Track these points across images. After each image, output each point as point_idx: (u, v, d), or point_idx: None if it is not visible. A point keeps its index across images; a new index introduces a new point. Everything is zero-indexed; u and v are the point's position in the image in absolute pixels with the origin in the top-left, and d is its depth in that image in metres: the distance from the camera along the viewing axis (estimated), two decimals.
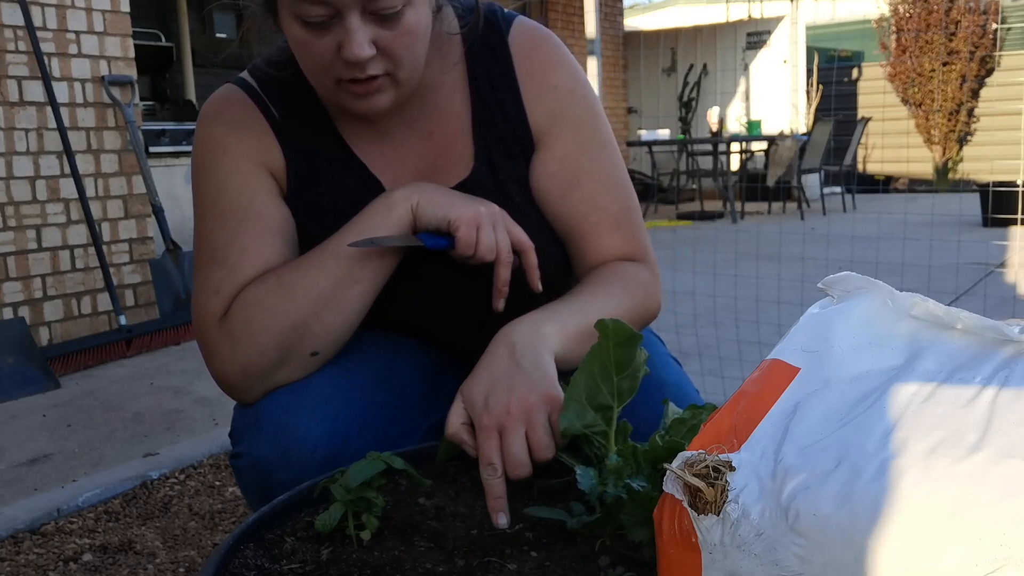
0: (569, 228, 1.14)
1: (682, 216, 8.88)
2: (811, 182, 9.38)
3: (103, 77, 3.76)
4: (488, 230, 1.03)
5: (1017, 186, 6.27)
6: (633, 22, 13.02)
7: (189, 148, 4.39)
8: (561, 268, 1.17)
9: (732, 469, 0.58)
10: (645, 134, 9.28)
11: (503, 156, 1.14)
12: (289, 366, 1.04)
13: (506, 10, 1.19)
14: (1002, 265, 5.14)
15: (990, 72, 11.09)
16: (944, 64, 11.02)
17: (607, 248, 1.13)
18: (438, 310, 1.17)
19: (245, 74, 1.16)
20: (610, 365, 0.86)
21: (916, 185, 11.38)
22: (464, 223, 1.02)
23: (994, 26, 10.98)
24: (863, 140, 10.48)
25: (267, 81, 1.14)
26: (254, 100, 1.12)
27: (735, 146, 9.43)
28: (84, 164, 3.69)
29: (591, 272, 1.13)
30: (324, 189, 1.13)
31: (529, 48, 1.15)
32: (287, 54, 1.10)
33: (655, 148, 9.24)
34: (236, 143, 1.10)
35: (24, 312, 3.50)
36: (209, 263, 1.07)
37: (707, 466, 0.58)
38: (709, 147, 9.21)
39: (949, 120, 11.16)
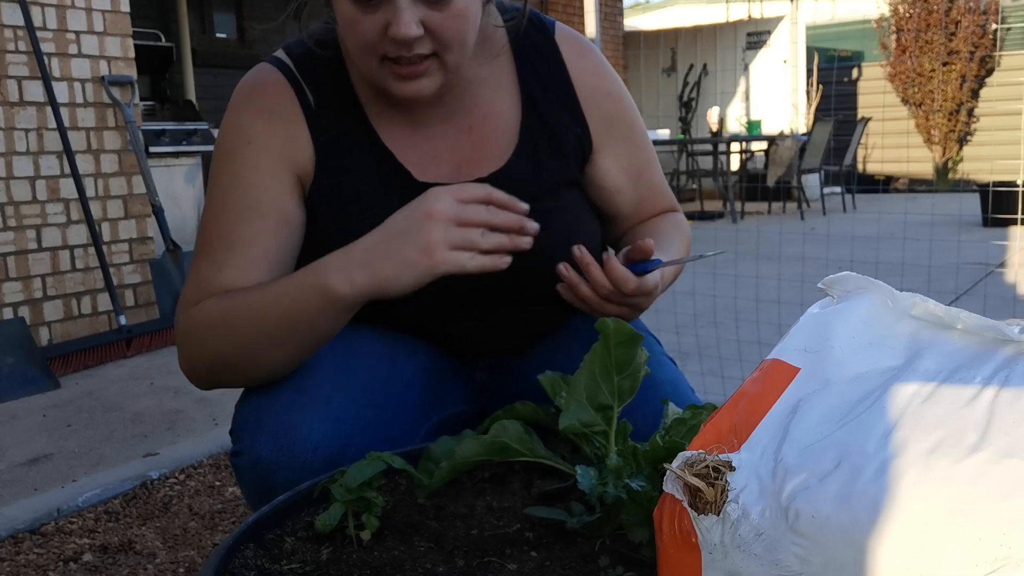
0: (635, 206, 1.27)
1: None
2: (811, 182, 9.36)
3: (103, 77, 3.76)
4: (448, 237, 0.96)
5: (1017, 186, 6.26)
6: (633, 22, 13.02)
7: (189, 148, 4.39)
8: (599, 243, 1.25)
9: (732, 469, 0.58)
10: None
11: (550, 157, 1.16)
12: (229, 382, 1.07)
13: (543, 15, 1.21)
14: (1002, 265, 5.14)
15: (990, 72, 11.07)
16: (944, 64, 11.00)
17: (657, 209, 1.31)
18: (438, 309, 1.17)
19: (281, 53, 1.15)
20: (610, 365, 0.86)
21: (916, 185, 11.36)
22: (434, 264, 0.96)
23: (994, 26, 10.97)
24: (863, 140, 10.47)
25: (304, 61, 1.13)
26: (291, 83, 1.12)
27: (735, 146, 9.41)
28: (84, 164, 3.68)
29: (648, 221, 1.29)
30: (348, 178, 1.12)
31: (578, 54, 1.20)
32: (333, 34, 1.10)
33: (655, 148, 9.22)
34: (261, 133, 1.09)
35: (24, 312, 3.50)
36: (201, 251, 1.09)
37: (707, 466, 0.58)
38: (709, 147, 9.20)
39: (949, 120, 11.14)
